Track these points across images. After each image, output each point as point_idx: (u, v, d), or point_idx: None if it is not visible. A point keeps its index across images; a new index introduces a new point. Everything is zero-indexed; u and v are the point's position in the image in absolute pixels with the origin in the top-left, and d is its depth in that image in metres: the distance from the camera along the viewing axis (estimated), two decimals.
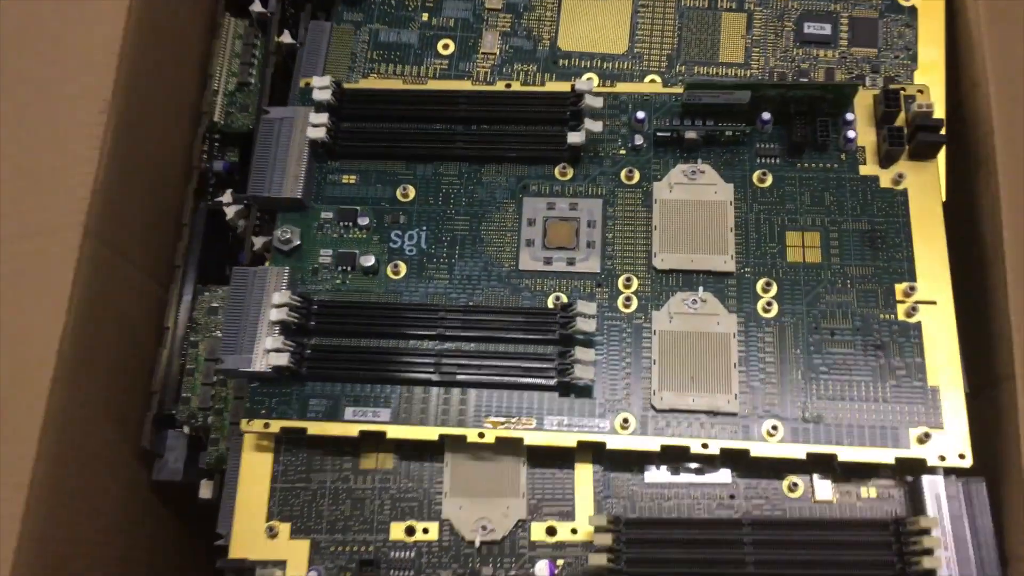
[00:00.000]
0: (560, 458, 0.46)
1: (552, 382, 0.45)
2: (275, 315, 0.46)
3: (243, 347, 0.46)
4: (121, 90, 0.51)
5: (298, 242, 0.49)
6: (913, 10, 0.53)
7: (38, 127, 0.49)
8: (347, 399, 0.46)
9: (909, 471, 0.44)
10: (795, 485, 0.45)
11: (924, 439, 0.43)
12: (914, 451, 0.43)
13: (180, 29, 0.56)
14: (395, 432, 0.45)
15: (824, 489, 0.45)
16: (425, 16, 0.54)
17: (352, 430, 0.46)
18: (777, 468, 0.45)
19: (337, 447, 0.47)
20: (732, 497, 0.45)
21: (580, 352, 0.45)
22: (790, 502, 0.45)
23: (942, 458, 0.43)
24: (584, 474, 0.47)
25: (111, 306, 0.50)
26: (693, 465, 0.46)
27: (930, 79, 0.52)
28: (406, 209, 0.50)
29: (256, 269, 0.48)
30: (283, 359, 0.45)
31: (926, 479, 0.43)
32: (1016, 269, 0.46)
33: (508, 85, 0.52)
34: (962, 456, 0.43)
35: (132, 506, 0.54)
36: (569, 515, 0.46)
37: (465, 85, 0.52)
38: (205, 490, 0.53)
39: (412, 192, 0.50)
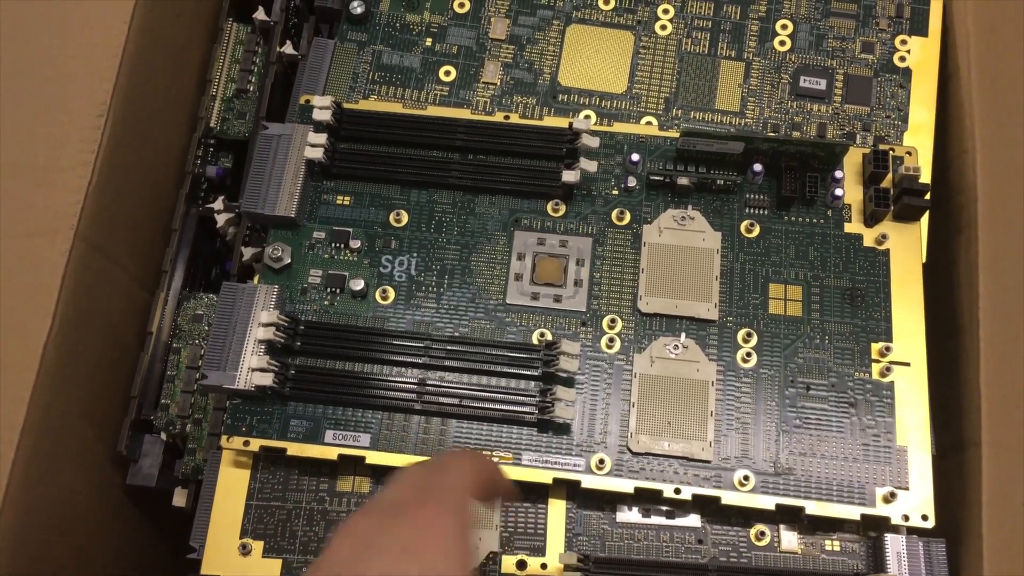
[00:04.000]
0: (534, 492, 0.47)
1: (532, 418, 0.46)
2: (262, 334, 0.46)
3: (227, 364, 0.46)
4: (120, 93, 0.51)
5: (288, 261, 0.49)
6: (908, 71, 0.54)
7: (36, 129, 0.49)
8: (328, 422, 0.47)
9: (873, 527, 0.45)
10: (762, 534, 0.46)
11: (890, 498, 0.44)
12: (879, 509, 0.45)
13: (182, 33, 0.56)
14: (375, 458, 0.46)
15: (790, 540, 0.46)
16: (428, 41, 0.54)
17: (331, 453, 0.46)
18: (746, 516, 0.47)
19: (315, 468, 0.48)
20: (700, 542, 0.46)
21: (562, 391, 0.45)
22: (756, 551, 0.46)
23: (906, 518, 0.44)
24: (557, 510, 0.47)
25: (98, 310, 0.50)
26: (664, 508, 0.47)
27: (919, 141, 0.53)
28: (398, 234, 0.50)
29: (245, 286, 0.48)
30: (267, 379, 0.45)
31: (889, 537, 0.44)
32: (989, 339, 0.47)
33: (507, 117, 0.52)
34: (925, 517, 0.44)
35: (105, 509, 0.54)
36: (540, 550, 0.47)
37: (464, 114, 0.52)
38: (179, 498, 0.53)
39: (405, 218, 0.51)
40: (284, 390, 0.46)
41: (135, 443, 0.53)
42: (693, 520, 0.47)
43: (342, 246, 0.50)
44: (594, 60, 0.54)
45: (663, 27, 0.54)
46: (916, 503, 0.45)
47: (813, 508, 0.45)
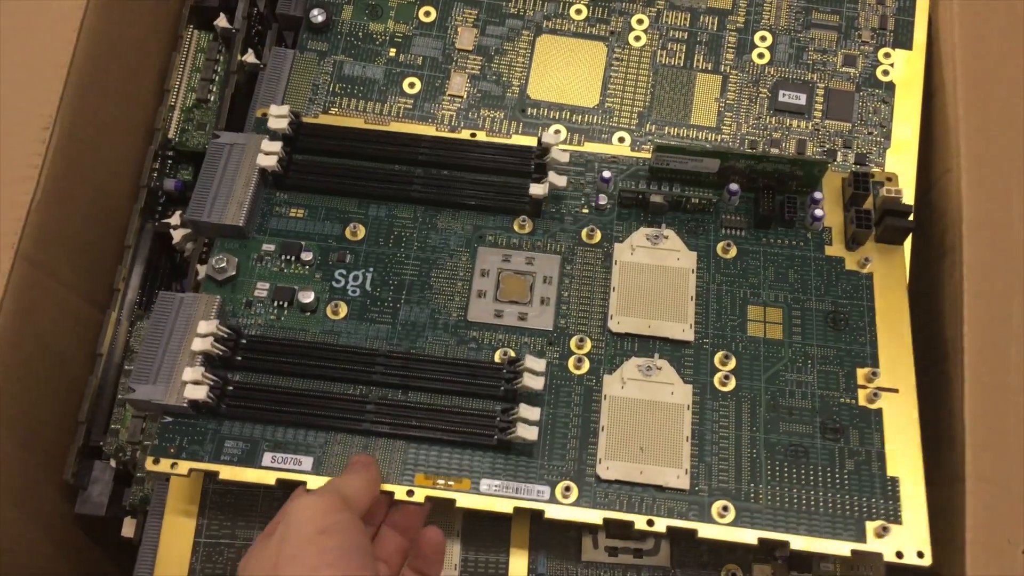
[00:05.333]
0: (495, 528, 0.43)
1: (492, 441, 0.42)
2: (198, 345, 0.42)
3: (159, 377, 0.42)
4: (69, 104, 0.48)
5: (233, 272, 0.46)
6: (891, 86, 0.52)
7: None
8: (267, 443, 0.42)
9: (865, 564, 0.41)
10: (734, 574, 0.42)
11: (882, 533, 0.41)
12: (871, 545, 0.41)
13: (138, 39, 0.54)
14: (316, 483, 0.41)
15: None
16: (393, 52, 0.52)
17: (269, 478, 0.42)
18: (719, 553, 0.43)
19: (268, 500, 0.43)
20: None
21: (524, 410, 0.41)
22: None
23: (899, 555, 0.40)
24: (518, 551, 0.44)
25: (41, 332, 0.48)
26: (632, 547, 0.43)
27: (902, 159, 0.51)
28: (354, 248, 0.47)
29: (183, 296, 0.44)
30: (200, 392, 0.41)
31: None
32: (975, 368, 0.44)
33: (473, 135, 0.50)
34: (920, 554, 0.40)
35: (55, 538, 0.51)
36: None
37: (429, 130, 0.50)
38: (128, 528, 0.50)
39: (362, 232, 0.48)
40: (220, 407, 0.42)
41: (83, 470, 0.50)
42: (662, 559, 0.43)
43: (293, 259, 0.47)
44: (565, 72, 0.52)
45: (637, 38, 0.53)
46: (910, 538, 0.41)
47: (799, 543, 0.41)
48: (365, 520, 0.38)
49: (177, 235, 0.51)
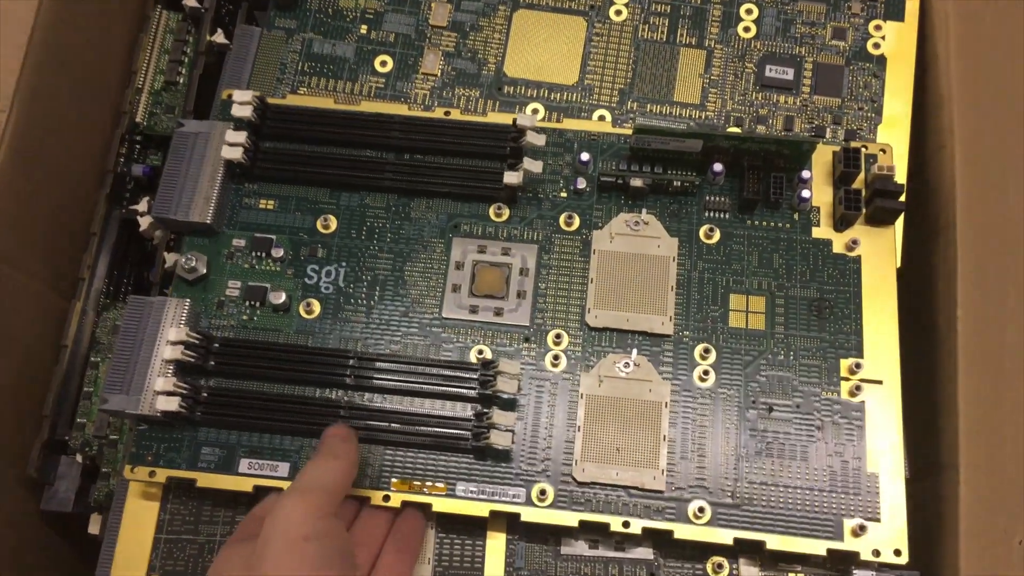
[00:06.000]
0: (472, 523, 0.43)
1: (467, 445, 0.41)
2: (169, 353, 0.42)
3: (132, 386, 0.42)
4: (26, 86, 0.47)
5: (204, 271, 0.45)
6: (882, 59, 0.49)
7: None
8: (243, 450, 0.42)
9: (841, 562, 0.41)
10: (720, 567, 0.42)
11: (859, 531, 0.40)
12: (848, 543, 0.40)
13: (103, 20, 0.52)
14: None
15: (750, 573, 0.42)
16: (364, 29, 0.50)
17: (246, 484, 0.42)
18: (702, 547, 0.42)
19: (231, 497, 0.43)
20: (653, 575, 0.42)
21: (499, 416, 0.41)
22: None
23: (876, 553, 0.40)
24: (496, 543, 0.43)
25: (3, 321, 0.47)
26: (614, 539, 0.43)
27: (894, 135, 0.49)
28: (326, 242, 0.46)
29: (153, 300, 0.44)
30: (172, 404, 0.41)
31: (858, 573, 0.40)
32: (968, 352, 0.43)
33: (447, 113, 0.48)
34: (898, 552, 0.40)
35: (21, 535, 0.50)
36: None
37: (401, 109, 0.48)
38: (94, 525, 0.49)
39: (334, 223, 0.46)
40: (194, 415, 0.42)
41: (48, 465, 0.49)
42: (645, 552, 0.43)
43: (264, 255, 0.46)
44: (543, 48, 0.49)
45: (618, 12, 0.50)
46: (888, 536, 0.41)
47: (775, 543, 0.41)
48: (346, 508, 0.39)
49: (144, 222, 0.50)
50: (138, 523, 0.43)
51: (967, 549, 0.41)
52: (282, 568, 0.34)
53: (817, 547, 0.40)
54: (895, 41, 0.49)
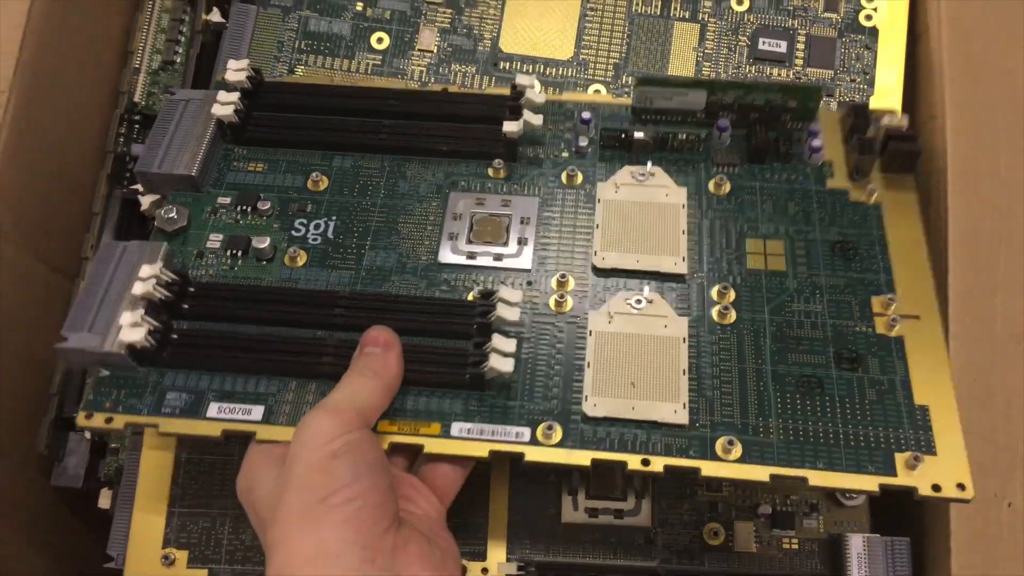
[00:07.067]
0: (473, 492, 0.38)
1: (464, 377, 0.37)
2: (139, 288, 0.38)
3: (95, 325, 0.38)
4: (26, 68, 0.46)
5: (184, 223, 0.43)
6: (874, 31, 0.49)
7: None
8: (213, 393, 0.38)
9: (897, 500, 0.36)
10: (716, 533, 0.38)
11: (914, 464, 0.35)
12: (902, 478, 0.35)
13: (99, 1, 0.52)
14: (267, 433, 0.37)
15: (746, 538, 0.37)
16: (359, 6, 0.50)
17: (214, 429, 0.37)
18: (699, 510, 0.40)
19: None
20: (651, 542, 0.38)
21: (498, 341, 0.37)
22: (710, 551, 0.39)
23: (936, 488, 0.35)
24: (498, 511, 0.40)
25: (8, 301, 0.45)
26: (613, 507, 0.40)
27: (886, 106, 0.48)
28: (316, 199, 0.44)
29: (127, 244, 0.41)
30: (138, 334, 0.37)
31: (851, 536, 0.38)
32: (960, 318, 0.42)
33: (445, 89, 0.47)
34: (961, 486, 0.35)
35: (32, 510, 0.49)
36: (480, 554, 0.38)
37: (399, 86, 0.47)
38: (104, 499, 0.47)
39: (325, 182, 0.44)
40: (162, 355, 0.38)
41: (58, 442, 0.48)
42: (643, 520, 0.40)
43: (249, 209, 0.43)
44: (538, 24, 0.50)
45: None
46: (948, 470, 0.35)
47: (818, 479, 0.35)
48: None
49: (145, 201, 0.48)
50: (152, 498, 0.42)
51: (957, 512, 0.39)
52: (309, 488, 0.31)
53: (867, 483, 0.35)
54: (887, 13, 0.50)
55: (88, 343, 0.38)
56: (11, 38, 0.47)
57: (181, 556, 0.41)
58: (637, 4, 0.50)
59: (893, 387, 0.37)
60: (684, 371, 0.38)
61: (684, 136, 0.44)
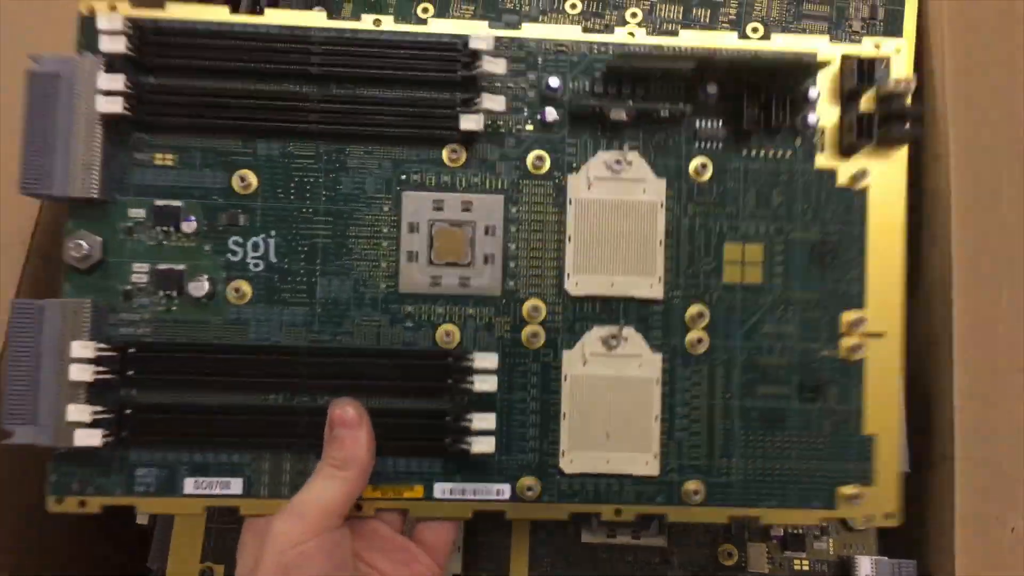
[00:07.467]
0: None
1: (443, 449, 0.37)
2: (76, 373, 0.35)
3: (38, 416, 0.35)
4: None
5: (100, 256, 0.37)
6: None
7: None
8: (185, 468, 0.37)
9: (837, 532, 0.41)
10: (730, 554, 0.43)
11: (852, 498, 0.39)
12: (840, 511, 0.39)
13: None
14: (252, 508, 0.37)
15: (758, 559, 0.42)
16: None
17: (195, 507, 0.37)
18: (714, 532, 0.43)
19: None
20: (667, 562, 0.42)
21: (478, 420, 0.37)
22: (724, 572, 0.43)
23: (868, 519, 0.39)
24: (520, 530, 0.44)
25: None
26: (630, 528, 0.44)
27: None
28: (247, 205, 0.38)
29: (44, 303, 0.36)
30: (95, 438, 0.35)
31: (861, 559, 0.40)
32: (964, 350, 0.41)
33: (377, 22, 0.38)
34: (889, 516, 0.39)
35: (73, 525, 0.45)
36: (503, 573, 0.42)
37: (320, 19, 0.38)
38: (142, 516, 0.45)
39: (254, 181, 0.38)
40: (121, 435, 0.36)
41: None
42: (659, 540, 0.44)
43: (171, 229, 0.37)
44: None
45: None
46: (881, 501, 0.39)
47: (770, 517, 0.39)
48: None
49: None
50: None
51: (962, 535, 0.41)
52: None
53: (811, 517, 0.39)
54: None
55: (39, 439, 0.36)
56: None
57: (219, 570, 0.43)
58: None
59: (847, 417, 0.40)
60: (656, 417, 0.39)
61: (666, 112, 0.39)
